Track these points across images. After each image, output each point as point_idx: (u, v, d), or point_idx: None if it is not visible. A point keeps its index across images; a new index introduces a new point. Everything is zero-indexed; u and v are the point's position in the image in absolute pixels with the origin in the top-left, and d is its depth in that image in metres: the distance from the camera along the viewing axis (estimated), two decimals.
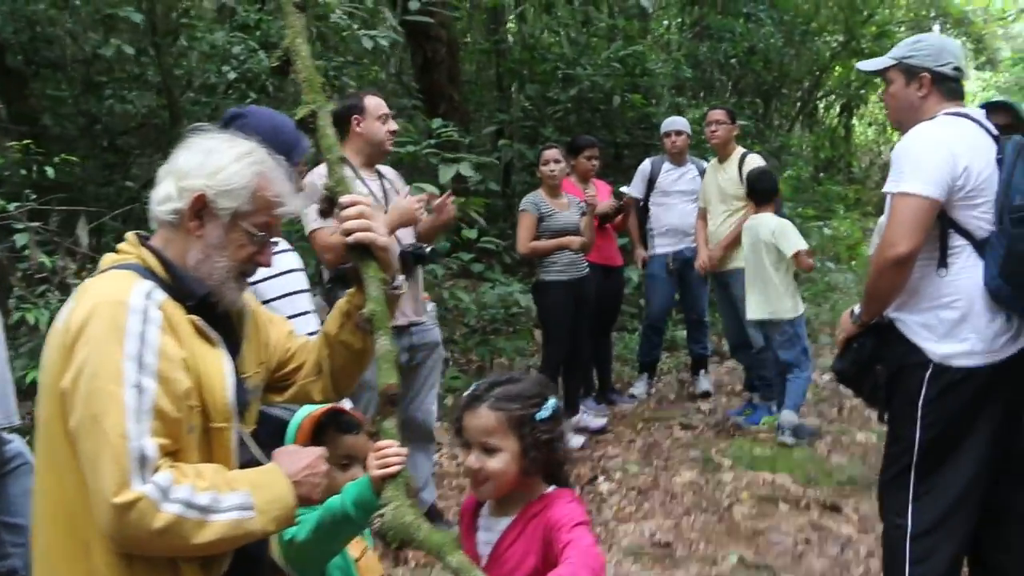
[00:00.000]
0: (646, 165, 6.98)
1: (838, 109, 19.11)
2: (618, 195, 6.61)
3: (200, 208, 1.84)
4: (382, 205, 4.15)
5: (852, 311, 3.16)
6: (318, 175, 4.11)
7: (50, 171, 5.37)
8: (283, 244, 2.70)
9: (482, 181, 9.04)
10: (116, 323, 1.66)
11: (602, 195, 6.52)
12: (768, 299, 5.62)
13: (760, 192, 5.80)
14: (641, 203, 6.82)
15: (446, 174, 6.33)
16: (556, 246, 5.80)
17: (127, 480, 1.59)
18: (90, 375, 1.64)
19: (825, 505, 4.70)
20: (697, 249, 6.47)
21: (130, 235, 1.90)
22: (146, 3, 6.42)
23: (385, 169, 4.45)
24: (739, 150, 6.34)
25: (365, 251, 1.97)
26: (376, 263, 1.99)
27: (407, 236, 4.20)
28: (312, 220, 4.01)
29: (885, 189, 2.95)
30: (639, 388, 7.03)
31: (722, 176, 6.23)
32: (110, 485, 1.59)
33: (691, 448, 5.65)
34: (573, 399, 6.14)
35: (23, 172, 6.16)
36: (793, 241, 5.57)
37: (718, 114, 6.40)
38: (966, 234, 2.89)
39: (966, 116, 2.98)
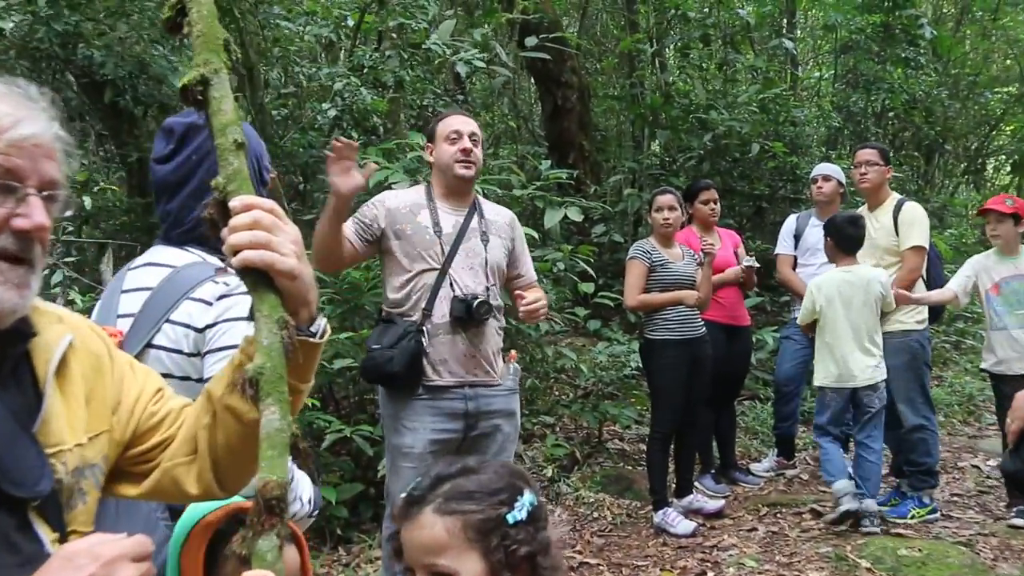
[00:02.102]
0: (791, 221, 6.22)
1: (1009, 168, 17.58)
2: (747, 267, 5.81)
3: None
4: (435, 240, 3.56)
5: None
6: (392, 195, 3.61)
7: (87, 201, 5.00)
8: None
9: (605, 232, 8.47)
10: None
11: (725, 245, 5.79)
12: (869, 361, 4.95)
13: (852, 240, 5.05)
14: (796, 260, 6.06)
15: (552, 218, 5.73)
16: (669, 300, 5.12)
17: None
18: None
19: None
20: None
21: None
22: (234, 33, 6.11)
23: (491, 207, 3.84)
24: (894, 196, 5.44)
25: (262, 278, 1.28)
26: (275, 296, 1.28)
27: (474, 282, 3.59)
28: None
29: None
30: (764, 465, 6.19)
31: (873, 226, 5.34)
32: None
33: (822, 542, 4.77)
34: (686, 477, 5.39)
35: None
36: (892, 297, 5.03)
37: (868, 154, 5.46)
38: None
39: None
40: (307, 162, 7.25)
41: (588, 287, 6.38)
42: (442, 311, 3.52)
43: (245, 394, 1.23)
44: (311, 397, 4.65)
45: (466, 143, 3.62)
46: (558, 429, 6.52)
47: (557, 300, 6.52)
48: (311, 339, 1.38)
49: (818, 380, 5.09)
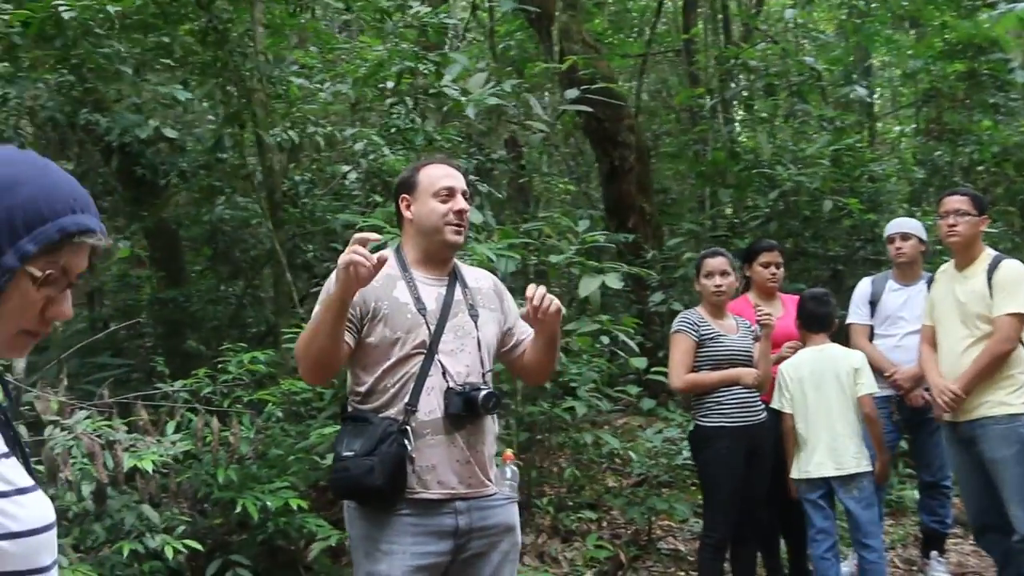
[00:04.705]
0: (864, 285, 5.40)
1: None
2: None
3: None
4: (419, 319, 2.88)
5: None
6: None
7: None
8: None
9: (664, 301, 7.75)
10: None
11: (788, 313, 5.01)
12: (842, 450, 4.54)
13: (816, 318, 4.77)
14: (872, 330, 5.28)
15: (587, 287, 5.07)
16: (723, 380, 4.39)
17: None
18: None
19: None
20: (930, 384, 4.76)
21: None
22: (235, 86, 5.60)
23: (471, 272, 3.14)
24: (988, 253, 4.53)
25: None
26: None
27: (467, 368, 2.91)
28: None
29: None
30: (846, 568, 5.29)
31: (962, 288, 4.46)
32: None
33: None
34: None
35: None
36: (871, 382, 4.67)
37: (958, 201, 4.52)
38: None
39: None
40: (334, 230, 6.76)
41: (641, 362, 5.69)
42: (430, 406, 2.82)
43: None
44: (300, 498, 4.01)
45: (460, 203, 2.95)
46: (604, 524, 5.75)
47: (602, 378, 5.82)
48: None
49: (793, 473, 4.66)
